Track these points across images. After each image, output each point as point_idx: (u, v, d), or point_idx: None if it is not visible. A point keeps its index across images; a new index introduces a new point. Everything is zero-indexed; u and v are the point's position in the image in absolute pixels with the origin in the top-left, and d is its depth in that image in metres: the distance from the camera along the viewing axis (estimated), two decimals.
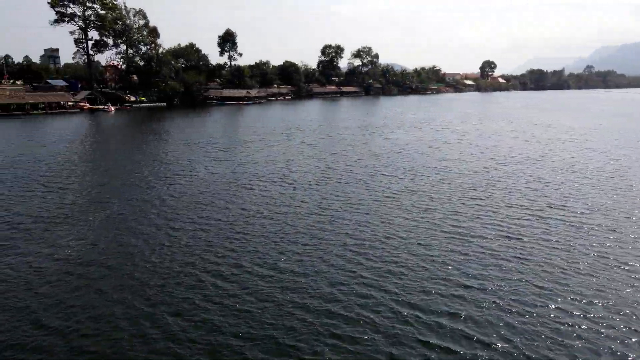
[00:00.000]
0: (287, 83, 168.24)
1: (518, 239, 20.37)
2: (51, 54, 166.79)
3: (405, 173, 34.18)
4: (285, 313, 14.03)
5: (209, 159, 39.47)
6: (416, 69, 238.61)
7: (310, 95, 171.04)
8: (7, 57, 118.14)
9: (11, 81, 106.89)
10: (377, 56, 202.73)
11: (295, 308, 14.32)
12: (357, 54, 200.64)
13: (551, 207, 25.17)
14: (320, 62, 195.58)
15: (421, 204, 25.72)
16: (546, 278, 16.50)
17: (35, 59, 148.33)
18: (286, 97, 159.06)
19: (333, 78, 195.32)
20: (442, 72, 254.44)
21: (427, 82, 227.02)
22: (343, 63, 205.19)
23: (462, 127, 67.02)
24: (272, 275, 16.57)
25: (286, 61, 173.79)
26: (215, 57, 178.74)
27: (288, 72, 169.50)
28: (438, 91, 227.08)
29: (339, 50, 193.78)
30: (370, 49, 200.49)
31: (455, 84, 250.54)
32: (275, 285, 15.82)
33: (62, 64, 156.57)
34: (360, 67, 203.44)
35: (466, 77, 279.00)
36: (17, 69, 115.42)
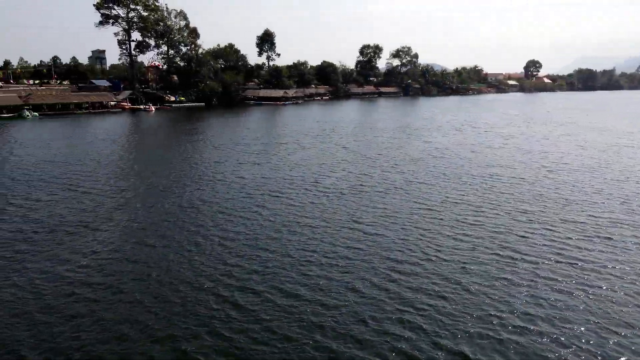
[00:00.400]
0: (324, 83, 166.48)
1: (578, 264, 17.43)
2: (98, 55, 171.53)
3: (447, 181, 31.30)
4: (302, 352, 11.86)
5: (239, 163, 37.82)
6: (457, 68, 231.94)
7: (348, 96, 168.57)
8: (55, 58, 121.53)
9: (58, 82, 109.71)
10: (416, 56, 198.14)
11: (314, 349, 12.12)
12: (396, 54, 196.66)
13: (617, 225, 21.88)
14: (358, 62, 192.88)
15: (465, 219, 22.96)
16: (617, 317, 13.60)
17: (83, 60, 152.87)
18: (323, 98, 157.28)
19: (371, 78, 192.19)
20: (483, 72, 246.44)
21: (468, 82, 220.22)
22: (381, 63, 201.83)
23: (507, 130, 62.95)
24: (292, 305, 14.40)
25: (324, 61, 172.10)
26: (253, 58, 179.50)
27: (326, 72, 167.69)
28: (479, 91, 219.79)
29: (377, 50, 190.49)
30: (409, 48, 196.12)
31: (497, 84, 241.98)
32: (294, 317, 13.64)
33: (108, 65, 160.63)
34: (399, 67, 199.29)
35: (509, 77, 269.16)
36: (65, 70, 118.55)
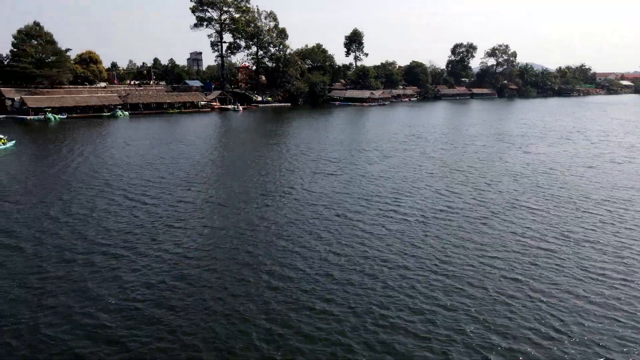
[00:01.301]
0: (412, 84, 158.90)
1: None
2: (195, 57, 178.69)
3: (559, 208, 24.93)
4: None
5: (313, 172, 34.03)
6: (560, 68, 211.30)
7: (437, 97, 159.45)
8: (155, 60, 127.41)
9: (156, 82, 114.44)
10: (514, 54, 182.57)
11: None
12: (492, 53, 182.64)
13: None
14: (449, 62, 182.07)
15: (592, 268, 17.04)
16: None
17: (182, 62, 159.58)
18: (411, 99, 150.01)
19: (463, 79, 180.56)
20: (591, 71, 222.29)
21: (573, 82, 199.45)
22: (474, 63, 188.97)
23: (629, 140, 53.01)
24: None
25: (413, 61, 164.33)
26: (341, 58, 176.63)
27: (414, 73, 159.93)
28: (586, 93, 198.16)
29: (470, 49, 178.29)
30: (507, 46, 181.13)
31: (608, 85, 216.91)
32: None
33: (204, 66, 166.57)
34: (494, 67, 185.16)
35: (622, 77, 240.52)
36: (162, 71, 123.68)
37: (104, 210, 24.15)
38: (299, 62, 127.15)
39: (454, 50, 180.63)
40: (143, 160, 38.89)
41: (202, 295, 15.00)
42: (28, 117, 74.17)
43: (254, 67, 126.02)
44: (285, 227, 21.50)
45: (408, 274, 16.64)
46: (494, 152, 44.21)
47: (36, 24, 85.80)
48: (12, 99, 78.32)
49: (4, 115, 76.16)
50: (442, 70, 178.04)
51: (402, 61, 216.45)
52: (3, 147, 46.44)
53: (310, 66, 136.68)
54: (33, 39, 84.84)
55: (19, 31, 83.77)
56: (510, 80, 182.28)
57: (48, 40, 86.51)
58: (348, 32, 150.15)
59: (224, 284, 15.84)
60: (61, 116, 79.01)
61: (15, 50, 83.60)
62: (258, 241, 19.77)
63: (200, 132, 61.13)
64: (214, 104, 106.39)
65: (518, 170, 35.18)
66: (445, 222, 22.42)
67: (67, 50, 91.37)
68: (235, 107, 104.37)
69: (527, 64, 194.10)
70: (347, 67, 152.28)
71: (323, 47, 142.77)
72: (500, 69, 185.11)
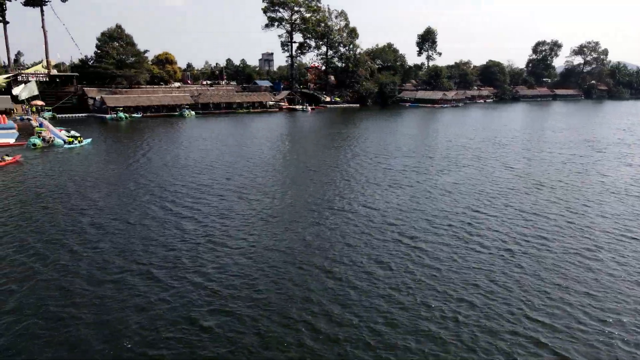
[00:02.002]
0: (488, 84, 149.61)
1: None
2: (267, 58, 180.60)
3: None
4: None
5: (376, 183, 30.55)
6: None
7: (515, 99, 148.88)
8: (228, 60, 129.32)
9: (227, 82, 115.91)
10: (605, 52, 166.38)
11: None
12: (579, 51, 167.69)
13: None
14: (529, 60, 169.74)
15: None
16: None
17: (255, 62, 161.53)
18: (486, 100, 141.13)
19: (544, 79, 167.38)
20: None
21: None
22: (559, 62, 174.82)
23: None
24: None
25: (489, 60, 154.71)
26: (412, 57, 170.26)
27: (490, 73, 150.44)
28: None
29: (555, 46, 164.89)
30: (597, 44, 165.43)
31: None
32: None
33: (275, 66, 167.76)
34: (582, 66, 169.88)
35: None
36: (234, 71, 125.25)
37: (151, 217, 22.45)
38: (369, 62, 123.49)
39: (535, 49, 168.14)
40: (201, 162, 37.49)
41: (238, 342, 12.34)
42: (107, 116, 77.04)
43: (323, 67, 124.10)
44: (341, 253, 18.38)
45: (493, 327, 12.94)
46: (589, 163, 38.18)
47: (118, 26, 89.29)
48: (94, 98, 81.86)
49: (86, 114, 79.78)
50: (521, 69, 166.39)
51: (478, 60, 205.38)
52: (79, 145, 47.52)
53: (380, 66, 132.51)
54: (115, 41, 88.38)
55: (103, 34, 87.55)
56: (600, 81, 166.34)
57: (128, 42, 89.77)
58: (421, 31, 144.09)
59: (263, 326, 13.09)
60: (136, 115, 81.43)
61: (98, 52, 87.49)
62: (308, 271, 16.85)
63: (264, 133, 59.63)
64: (282, 104, 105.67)
65: (622, 186, 29.51)
66: (536, 255, 18.19)
67: (146, 51, 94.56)
68: (304, 107, 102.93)
69: (619, 63, 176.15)
70: (418, 67, 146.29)
71: (394, 46, 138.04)
72: (588, 68, 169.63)
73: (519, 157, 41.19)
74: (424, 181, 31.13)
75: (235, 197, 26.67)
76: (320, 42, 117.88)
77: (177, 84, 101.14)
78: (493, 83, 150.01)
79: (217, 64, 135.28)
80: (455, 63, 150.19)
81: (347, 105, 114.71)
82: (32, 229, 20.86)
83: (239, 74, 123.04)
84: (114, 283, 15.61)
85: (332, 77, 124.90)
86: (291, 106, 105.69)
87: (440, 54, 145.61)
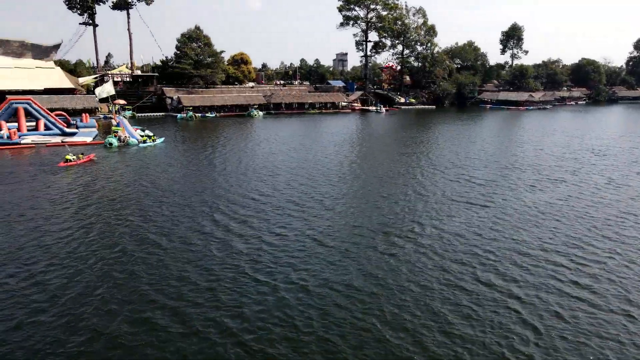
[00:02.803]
0: (581, 85, 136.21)
1: None
2: (340, 58, 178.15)
3: None
4: None
5: (451, 199, 26.28)
6: None
7: (612, 100, 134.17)
8: (302, 60, 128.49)
9: (300, 82, 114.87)
10: None
11: None
12: None
13: None
14: (630, 58, 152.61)
15: None
16: None
17: (328, 62, 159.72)
18: (578, 102, 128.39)
19: None
20: None
21: None
22: None
23: None
24: None
25: (582, 59, 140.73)
26: (494, 56, 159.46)
27: (583, 72, 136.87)
28: None
29: None
30: None
31: None
32: None
33: (349, 67, 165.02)
34: None
35: None
36: (307, 71, 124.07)
37: (199, 232, 20.24)
38: (447, 61, 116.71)
39: (637, 45, 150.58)
40: (264, 168, 35.32)
41: None
42: (177, 115, 78.60)
43: (399, 67, 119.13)
44: (411, 297, 14.86)
45: None
46: None
47: (197, 27, 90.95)
48: (171, 98, 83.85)
49: (163, 113, 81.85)
50: (619, 68, 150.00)
51: (568, 59, 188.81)
52: (152, 144, 47.71)
53: (459, 65, 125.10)
54: (193, 42, 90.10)
55: (182, 35, 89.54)
56: None
57: (206, 43, 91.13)
58: (506, 28, 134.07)
59: None
60: (210, 115, 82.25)
61: (178, 52, 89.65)
62: (365, 320, 13.57)
63: (334, 135, 56.75)
64: (355, 104, 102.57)
65: None
66: None
67: (222, 52, 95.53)
68: (378, 108, 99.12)
69: None
70: (501, 67, 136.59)
71: (475, 44, 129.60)
72: None
73: (629, 171, 34.73)
74: (510, 199, 26.42)
75: (294, 211, 23.92)
76: (397, 41, 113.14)
77: (251, 84, 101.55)
78: (587, 83, 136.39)
79: (291, 64, 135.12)
80: (543, 62, 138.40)
81: (422, 106, 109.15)
82: (80, 230, 19.54)
83: (312, 73, 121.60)
84: (124, 315, 13.40)
85: (408, 77, 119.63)
86: (364, 107, 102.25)
87: (526, 52, 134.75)
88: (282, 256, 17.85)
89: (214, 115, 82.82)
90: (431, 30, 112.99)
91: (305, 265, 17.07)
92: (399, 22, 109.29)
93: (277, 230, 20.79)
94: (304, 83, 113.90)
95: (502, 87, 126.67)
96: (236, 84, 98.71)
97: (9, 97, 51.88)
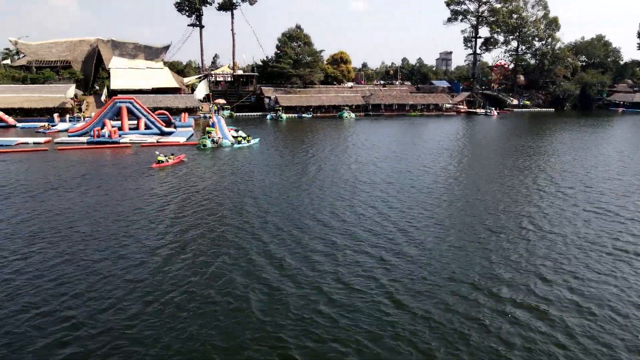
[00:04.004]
0: None
1: None
2: (444, 57, 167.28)
3: None
4: None
5: (586, 241, 19.44)
6: None
7: None
8: (404, 59, 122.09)
9: (401, 82, 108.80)
10: None
11: None
12: None
13: None
14: None
15: None
16: None
17: (431, 62, 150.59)
18: None
19: None
20: None
21: None
22: None
23: None
24: None
25: None
26: (629, 53, 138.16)
27: None
28: None
29: None
30: None
31: None
32: None
33: (453, 66, 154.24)
34: None
35: None
36: (408, 71, 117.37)
37: (269, 254, 16.58)
38: (570, 58, 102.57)
39: None
40: (342, 181, 30.98)
41: None
42: (267, 115, 77.74)
43: (511, 65, 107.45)
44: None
45: None
46: None
47: (297, 26, 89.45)
48: (269, 98, 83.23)
49: (260, 113, 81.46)
50: None
51: None
52: (247, 144, 46.16)
53: (584, 63, 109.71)
54: (293, 41, 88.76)
55: (283, 34, 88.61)
56: None
57: (306, 42, 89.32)
58: None
59: None
60: (306, 115, 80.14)
61: (278, 52, 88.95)
62: None
63: (435, 142, 50.52)
64: (461, 106, 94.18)
65: None
66: None
67: (321, 51, 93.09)
68: (488, 110, 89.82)
69: None
70: (637, 64, 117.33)
71: (605, 38, 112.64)
72: None
73: None
74: None
75: (369, 245, 19.20)
76: (511, 37, 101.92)
77: (349, 84, 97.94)
78: None
79: (392, 63, 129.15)
80: None
81: (538, 109, 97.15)
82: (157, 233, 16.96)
83: (415, 73, 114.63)
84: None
85: (522, 77, 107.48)
86: (471, 109, 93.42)
87: None
88: (354, 291, 13.32)
89: (310, 115, 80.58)
90: (553, 24, 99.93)
91: (378, 303, 12.40)
92: (515, 16, 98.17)
93: (336, 286, 16.03)
94: (405, 83, 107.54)
95: (638, 87, 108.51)
96: (334, 84, 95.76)
97: (114, 96, 53.79)
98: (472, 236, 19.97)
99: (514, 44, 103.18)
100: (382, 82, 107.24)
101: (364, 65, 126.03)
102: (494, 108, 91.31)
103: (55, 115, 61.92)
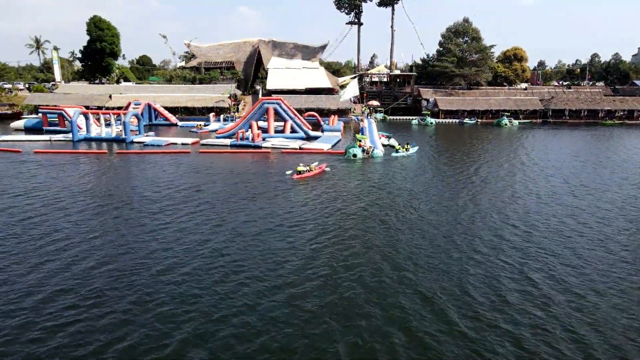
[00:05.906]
0: None
1: None
2: None
3: None
4: None
5: None
6: None
7: None
8: (594, 56, 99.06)
9: (590, 83, 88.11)
10: None
11: None
12: None
13: None
14: None
15: None
16: None
17: (628, 57, 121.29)
18: None
19: None
20: None
21: None
22: None
23: None
24: None
25: None
26: None
27: None
28: None
29: None
30: None
31: None
32: None
33: None
34: None
35: None
36: (601, 69, 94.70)
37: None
38: None
39: None
40: (487, 227, 19.86)
41: None
42: (412, 120, 67.55)
43: None
44: None
45: None
46: None
47: (465, 20, 77.16)
48: (427, 100, 73.05)
49: (416, 117, 71.63)
50: None
51: None
52: (406, 154, 38.19)
53: None
54: (459, 37, 76.80)
55: (448, 29, 77.30)
56: None
57: (474, 37, 76.57)
58: None
59: None
60: (469, 121, 68.10)
61: (440, 49, 78.02)
62: None
63: (635, 164, 34.96)
64: None
65: None
66: None
67: (492, 46, 79.04)
68: None
69: None
70: None
71: None
72: None
73: None
74: None
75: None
76: None
77: (523, 85, 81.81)
78: None
79: (577, 60, 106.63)
80: None
81: None
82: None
83: (610, 72, 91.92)
84: None
85: None
86: None
87: None
88: None
89: (474, 121, 68.29)
90: None
91: None
92: None
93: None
94: (597, 84, 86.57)
95: None
96: (505, 85, 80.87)
97: (262, 97, 49.90)
98: None
99: None
100: (565, 82, 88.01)
101: (541, 64, 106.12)
102: None
103: (211, 115, 61.44)
